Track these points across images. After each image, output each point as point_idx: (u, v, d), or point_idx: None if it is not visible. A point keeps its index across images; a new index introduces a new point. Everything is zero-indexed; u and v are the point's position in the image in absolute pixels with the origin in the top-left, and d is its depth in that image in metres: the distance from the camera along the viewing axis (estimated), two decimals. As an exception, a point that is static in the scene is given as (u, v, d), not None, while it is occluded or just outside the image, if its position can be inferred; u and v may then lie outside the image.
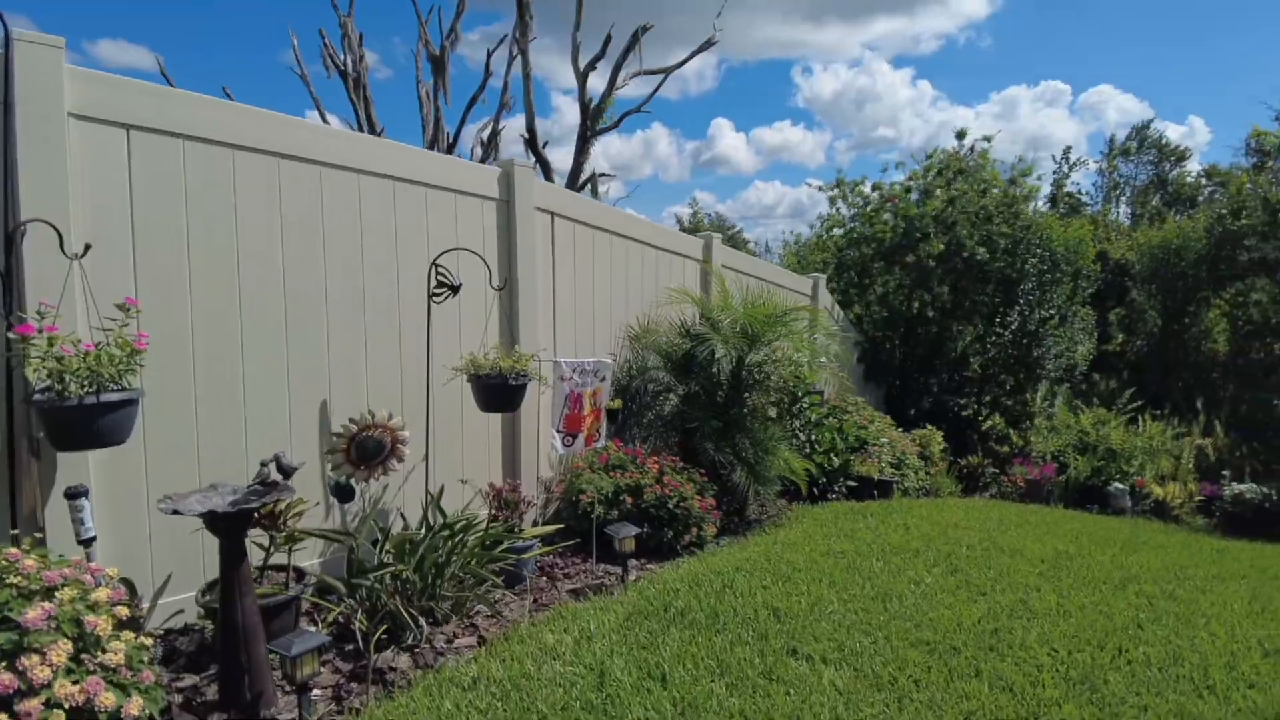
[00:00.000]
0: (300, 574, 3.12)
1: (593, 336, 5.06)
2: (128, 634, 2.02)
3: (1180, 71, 41.64)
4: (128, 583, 2.50)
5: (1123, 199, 27.27)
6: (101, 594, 2.02)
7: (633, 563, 4.03)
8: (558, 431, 4.38)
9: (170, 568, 2.96)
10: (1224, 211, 10.83)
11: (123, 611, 2.05)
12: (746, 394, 5.04)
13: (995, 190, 9.29)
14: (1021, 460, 8.85)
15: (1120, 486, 8.21)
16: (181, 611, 2.98)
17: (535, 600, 3.69)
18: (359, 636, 3.01)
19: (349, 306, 3.57)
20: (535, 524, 4.40)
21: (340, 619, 3.11)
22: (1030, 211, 9.56)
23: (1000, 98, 46.85)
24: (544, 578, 4.01)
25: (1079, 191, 21.41)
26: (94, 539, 2.50)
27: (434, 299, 3.81)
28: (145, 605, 2.82)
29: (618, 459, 4.54)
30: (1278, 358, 10.59)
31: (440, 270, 3.79)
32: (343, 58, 15.29)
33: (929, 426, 8.72)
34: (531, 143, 14.57)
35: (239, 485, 2.68)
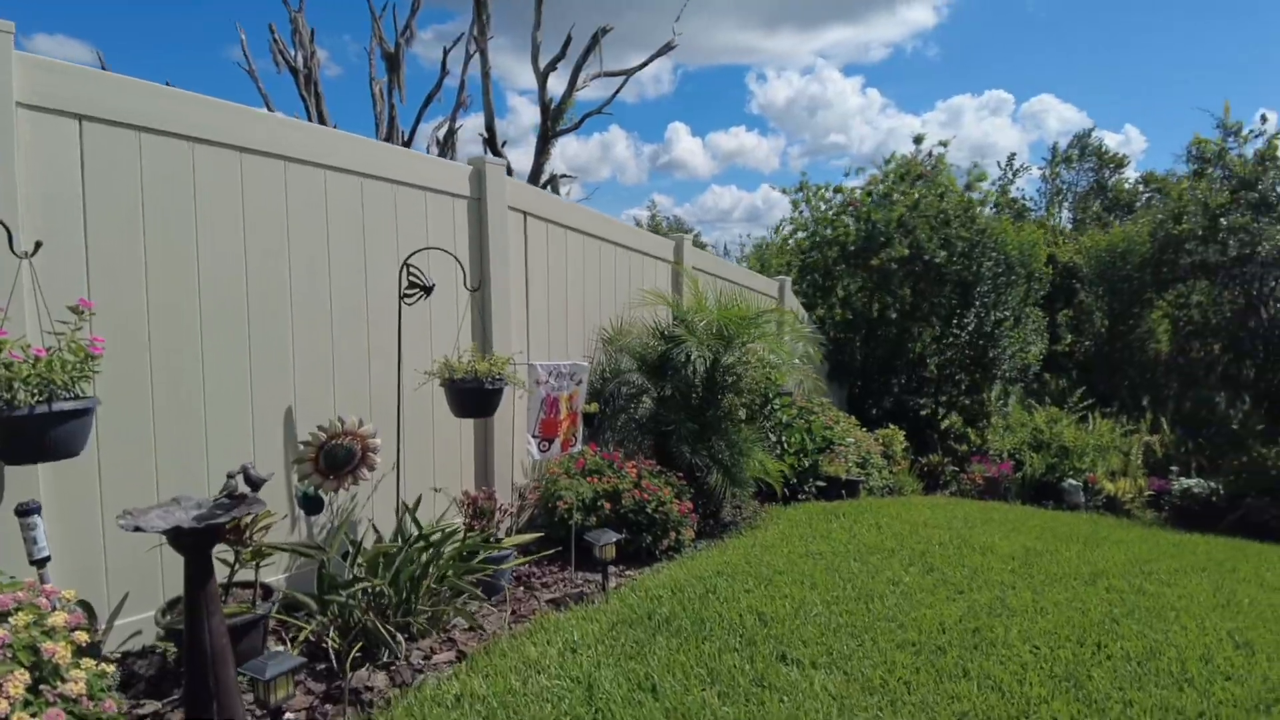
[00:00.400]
0: (267, 591, 2.96)
1: (566, 339, 4.96)
2: (88, 661, 1.86)
3: (1116, 82, 43.41)
4: (86, 605, 2.33)
5: (1065, 204, 28.27)
6: (59, 618, 1.86)
7: (612, 569, 3.95)
8: (533, 437, 4.27)
9: (127, 586, 2.77)
10: (1162, 217, 11.26)
11: (82, 637, 1.89)
12: (721, 396, 5.00)
13: (952, 194, 9.48)
14: (979, 458, 9.04)
15: (1074, 483, 8.44)
16: (140, 633, 2.79)
17: (514, 611, 3.58)
18: (332, 655, 2.87)
19: (315, 308, 3.42)
20: (509, 532, 4.28)
21: (311, 637, 2.96)
22: (985, 216, 9.80)
23: (946, 106, 48.13)
24: (521, 588, 3.90)
25: (1023, 197, 22.12)
26: (48, 559, 2.32)
27: (405, 300, 3.68)
28: (102, 627, 2.63)
29: (595, 464, 4.45)
30: (1216, 357, 11.06)
31: (412, 270, 3.65)
32: (293, 54, 14.85)
33: (891, 426, 8.86)
34: (490, 142, 14.36)
35: (203, 498, 2.52)
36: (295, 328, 3.33)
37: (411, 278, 3.66)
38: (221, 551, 2.73)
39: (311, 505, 3.22)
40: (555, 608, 3.62)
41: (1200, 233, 10.34)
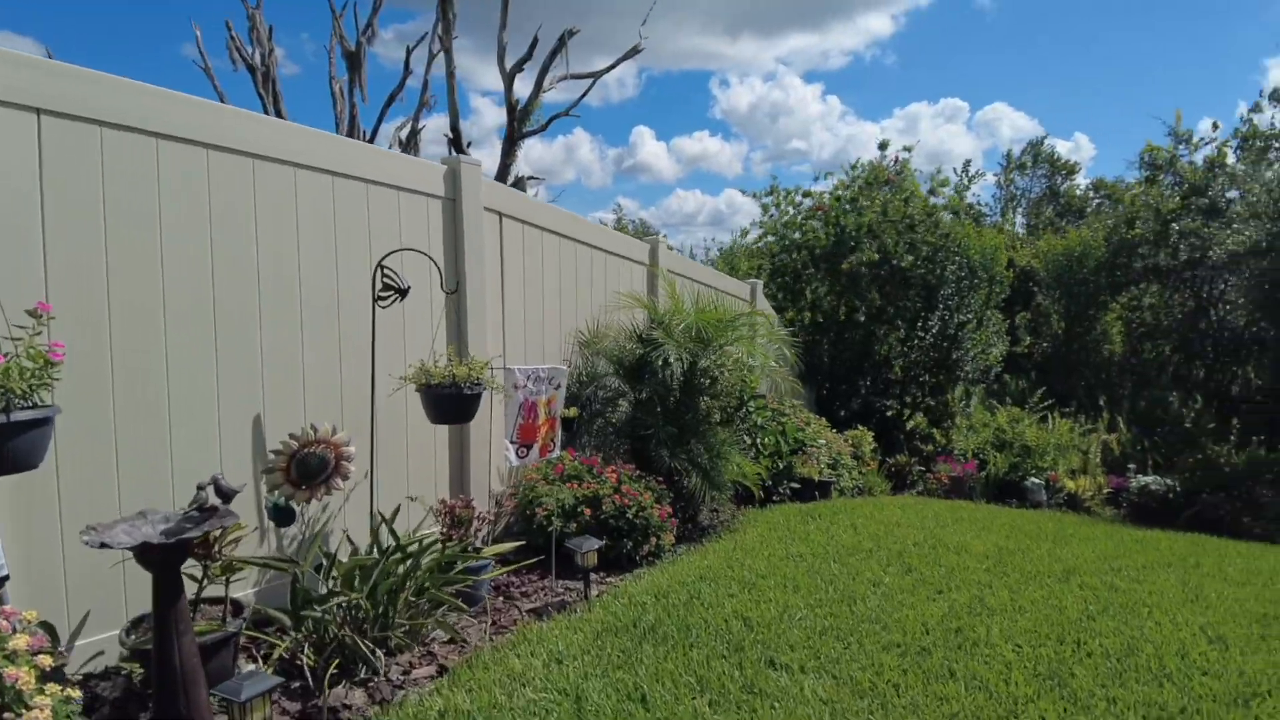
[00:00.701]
0: (237, 607, 2.83)
1: (543, 343, 4.89)
2: (53, 686, 1.74)
3: (1067, 92, 44.83)
4: (48, 626, 2.19)
5: (1019, 210, 29.07)
6: (20, 641, 1.74)
7: (593, 576, 3.89)
8: (511, 443, 4.19)
9: (89, 605, 2.62)
10: (1115, 222, 11.63)
11: (45, 661, 1.77)
12: (698, 399, 4.98)
13: (917, 200, 9.64)
14: (945, 458, 9.19)
15: (1036, 481, 8.64)
16: (102, 653, 2.64)
17: (494, 622, 3.49)
18: (307, 673, 2.76)
19: (285, 312, 3.29)
20: (486, 541, 4.19)
21: (285, 654, 2.83)
22: (948, 221, 9.99)
23: (904, 113, 49.12)
24: (501, 598, 3.82)
25: (978, 203, 22.68)
26: (7, 578, 2.17)
27: (379, 303, 3.57)
28: (63, 649, 2.48)
29: (574, 469, 4.39)
30: (1168, 358, 11.46)
31: (387, 272, 3.54)
32: (251, 51, 14.46)
33: (860, 427, 8.95)
34: (456, 142, 14.16)
35: (170, 511, 2.40)
36: (264, 332, 3.20)
37: (386, 279, 3.55)
38: (188, 566, 2.60)
39: (283, 517, 3.09)
40: (537, 617, 3.55)
41: (1152, 237, 10.71)
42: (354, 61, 14.84)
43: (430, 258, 3.83)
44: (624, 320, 5.35)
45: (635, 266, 5.81)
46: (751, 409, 5.73)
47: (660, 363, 4.58)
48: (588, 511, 4.11)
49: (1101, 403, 10.91)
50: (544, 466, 4.45)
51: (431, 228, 4.07)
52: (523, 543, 3.98)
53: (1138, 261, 11.01)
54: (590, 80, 14.91)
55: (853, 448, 8.14)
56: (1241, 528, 7.00)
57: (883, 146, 10.36)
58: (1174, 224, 10.43)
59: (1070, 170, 28.46)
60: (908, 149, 10.26)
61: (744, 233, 11.46)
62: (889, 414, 9.94)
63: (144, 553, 2.15)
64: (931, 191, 10.15)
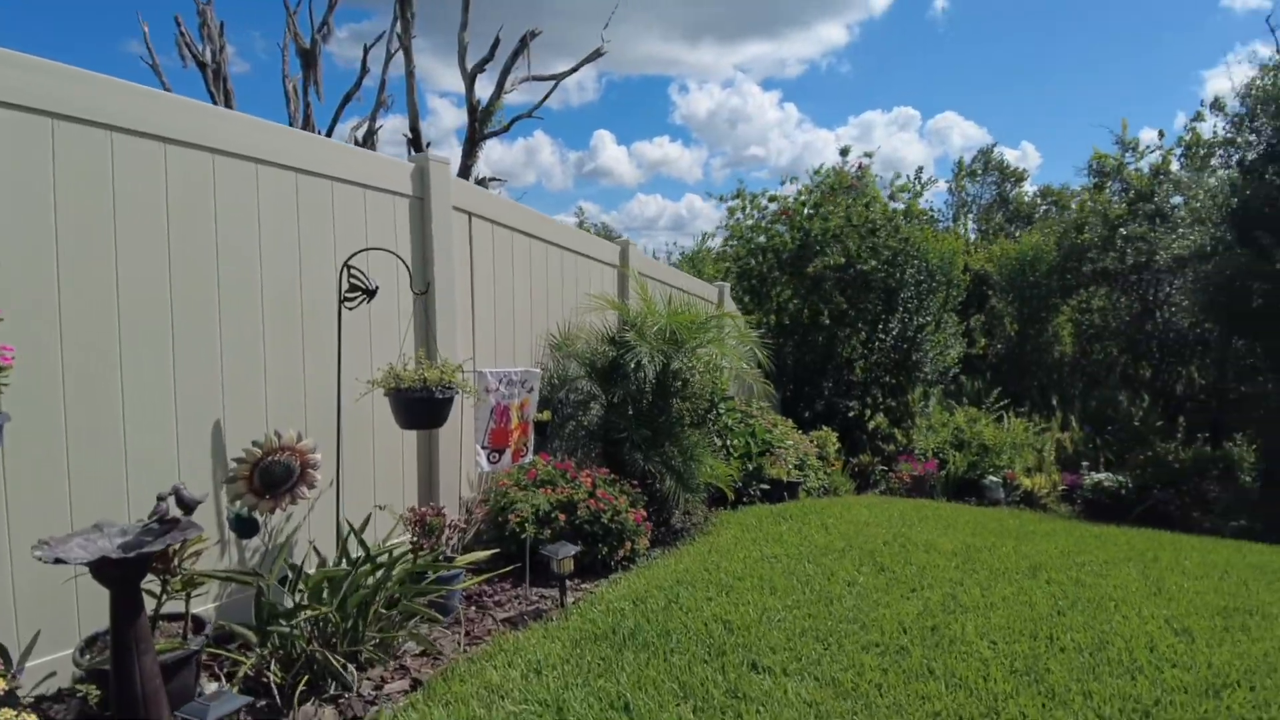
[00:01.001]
0: (199, 623, 2.69)
1: (513, 345, 4.80)
2: (6, 711, 1.61)
3: (1014, 102, 46.22)
4: (1, 650, 2.03)
5: (970, 216, 29.87)
6: (-35, 671, 1.60)
7: (567, 583, 3.82)
8: (483, 448, 4.10)
9: (40, 623, 2.45)
10: (1064, 227, 12.01)
11: (-5, 689, 1.64)
12: (671, 401, 4.95)
13: (878, 205, 9.81)
14: (906, 457, 9.35)
15: (994, 479, 8.83)
16: (55, 674, 2.48)
17: (468, 633, 3.40)
18: (274, 690, 2.63)
19: (246, 314, 3.15)
20: (457, 549, 4.08)
21: (250, 671, 2.70)
22: (907, 226, 10.19)
23: (858, 121, 49.92)
24: (473, 607, 3.72)
25: (931, 209, 23.23)
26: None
27: (346, 304, 3.45)
28: (15, 670, 2.31)
29: (547, 474, 4.31)
30: (1115, 359, 11.86)
31: (354, 272, 3.43)
32: (201, 48, 14.00)
33: (824, 428, 9.05)
34: (415, 142, 13.92)
35: (128, 524, 2.26)
36: (224, 335, 3.06)
37: (353, 280, 3.44)
38: (146, 581, 2.46)
39: (245, 528, 2.96)
40: (512, 627, 3.46)
41: (1100, 242, 11.07)
42: (309, 59, 14.49)
43: (399, 257, 3.73)
44: (595, 322, 5.29)
45: (605, 268, 5.76)
46: (722, 410, 5.72)
47: (633, 365, 4.54)
48: (562, 517, 4.04)
49: (1054, 402, 11.22)
50: (516, 472, 4.37)
51: (399, 227, 3.96)
52: (496, 550, 3.89)
53: (1087, 265, 11.36)
54: (553, 82, 14.83)
55: (818, 448, 8.22)
56: (1191, 522, 7.26)
57: (844, 152, 10.52)
58: (1121, 229, 10.81)
59: (1019, 178, 29.29)
60: (869, 155, 10.44)
61: (705, 237, 11.54)
62: (851, 415, 10.08)
63: (101, 568, 2.02)
64: (891, 197, 10.34)
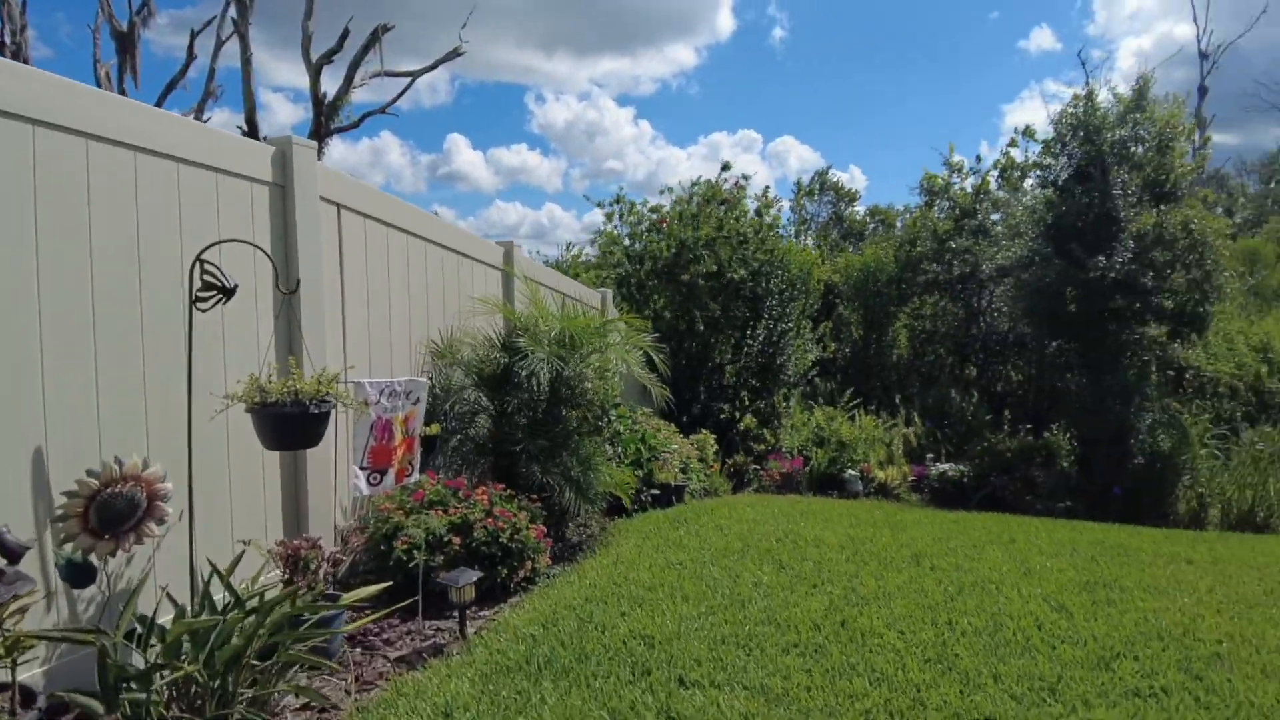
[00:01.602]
0: (29, 695, 2.14)
1: (390, 353, 4.37)
2: None
3: (844, 127, 50.20)
4: None
5: (809, 232, 31.99)
6: None
7: (466, 612, 3.49)
8: (362, 468, 3.67)
9: None
10: (900, 241, 13.09)
11: None
12: (565, 409, 4.73)
13: (748, 218, 10.20)
14: (775, 456, 9.72)
15: (853, 473, 9.37)
16: None
17: (358, 678, 3.00)
18: (125, 774, 2.15)
19: (72, 318, 2.60)
20: (330, 584, 3.62)
21: (90, 755, 2.19)
22: (773, 237, 10.66)
23: (706, 141, 52.16)
24: (359, 649, 3.30)
25: (782, 224, 24.63)
26: None
27: (198, 304, 2.94)
28: None
29: (436, 494, 3.94)
30: (943, 359, 13.04)
31: (208, 268, 2.93)
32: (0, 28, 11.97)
33: (703, 431, 9.19)
34: (252, 135, 12.67)
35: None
36: (45, 344, 2.50)
37: (207, 277, 2.94)
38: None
39: (80, 576, 2.41)
40: (409, 667, 3.10)
41: (931, 254, 12.13)
42: (125, 43, 12.81)
43: (265, 252, 3.26)
44: (481, 327, 4.96)
45: (490, 270, 5.42)
46: (614, 417, 5.58)
47: (528, 372, 4.28)
48: (457, 540, 3.70)
49: (897, 400, 12.15)
50: (399, 494, 3.96)
51: (257, 218, 3.48)
52: (388, 584, 3.47)
53: (921, 276, 12.42)
54: (408, 79, 14.11)
55: (699, 451, 8.32)
56: (1025, 505, 8.05)
57: (726, 168, 10.86)
58: (949, 242, 11.90)
59: (852, 198, 31.81)
60: (746, 177, 10.80)
61: (571, 246, 11.41)
62: (724, 417, 10.33)
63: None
64: (758, 212, 10.76)
